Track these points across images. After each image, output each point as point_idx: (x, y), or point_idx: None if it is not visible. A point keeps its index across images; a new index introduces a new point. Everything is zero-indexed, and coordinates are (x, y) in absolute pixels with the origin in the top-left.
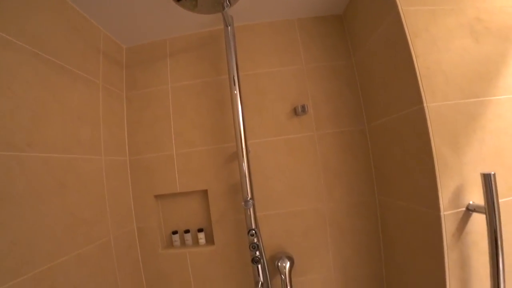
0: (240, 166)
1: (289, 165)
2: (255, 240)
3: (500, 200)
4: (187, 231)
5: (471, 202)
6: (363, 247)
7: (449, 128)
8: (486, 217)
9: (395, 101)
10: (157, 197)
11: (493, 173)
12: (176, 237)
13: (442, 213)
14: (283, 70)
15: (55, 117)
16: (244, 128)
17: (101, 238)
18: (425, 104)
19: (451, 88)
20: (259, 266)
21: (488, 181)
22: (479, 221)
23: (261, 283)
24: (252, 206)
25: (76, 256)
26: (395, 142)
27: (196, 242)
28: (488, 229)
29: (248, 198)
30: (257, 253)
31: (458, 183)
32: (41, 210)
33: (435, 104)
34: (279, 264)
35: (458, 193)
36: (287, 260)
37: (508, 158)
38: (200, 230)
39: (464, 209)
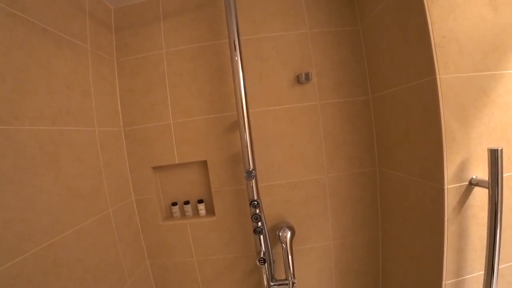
0: (242, 137)
1: (290, 136)
2: (257, 211)
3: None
4: (187, 203)
5: (474, 177)
6: (361, 216)
7: (459, 102)
8: (489, 191)
9: (404, 72)
10: (155, 168)
11: (500, 148)
12: (176, 209)
13: (446, 187)
14: (286, 35)
15: (41, 86)
16: (246, 96)
17: (100, 212)
18: (437, 76)
19: (464, 60)
20: (261, 236)
21: (494, 156)
22: (480, 195)
23: (263, 252)
24: (254, 178)
25: (77, 231)
26: (400, 113)
27: (196, 213)
28: (489, 203)
29: (250, 169)
30: (259, 223)
31: (463, 157)
32: (35, 186)
33: (448, 76)
34: (280, 234)
35: (462, 167)
36: (288, 230)
37: None
38: (200, 201)
39: (467, 183)
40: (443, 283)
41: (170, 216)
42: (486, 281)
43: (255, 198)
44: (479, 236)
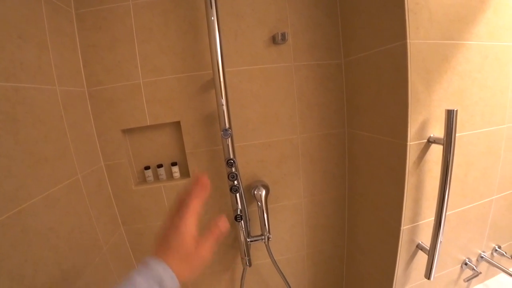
0: (217, 95)
1: (265, 96)
2: (234, 170)
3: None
4: (160, 166)
5: (431, 135)
6: (330, 174)
7: (425, 66)
8: (443, 147)
9: (378, 36)
10: (125, 131)
11: (456, 109)
12: (149, 173)
13: (408, 143)
14: None
15: None
16: (222, 55)
17: (68, 178)
18: (408, 40)
19: (433, 27)
20: (237, 195)
21: (450, 116)
22: (435, 152)
23: (239, 210)
24: (230, 136)
25: (45, 198)
26: (371, 76)
27: (170, 176)
28: (443, 158)
29: (227, 128)
30: (235, 182)
31: (424, 117)
32: None
33: (417, 41)
34: (255, 192)
35: (423, 126)
36: (262, 188)
37: (467, 98)
38: (173, 164)
39: (425, 140)
40: (401, 228)
41: (143, 180)
42: (435, 225)
43: (231, 157)
44: (432, 187)
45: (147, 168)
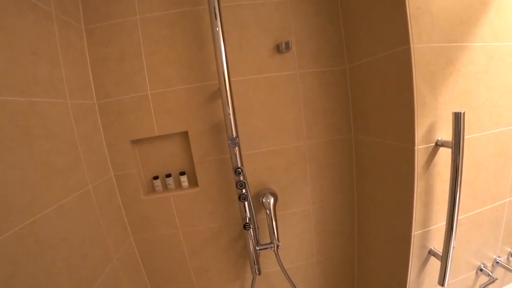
0: (224, 105)
1: (271, 104)
2: (242, 178)
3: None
4: (168, 175)
5: (439, 138)
6: (338, 180)
7: (430, 70)
8: (452, 150)
9: (381, 41)
10: (134, 142)
11: (463, 111)
12: (157, 182)
13: (416, 147)
14: (267, 3)
15: (4, 51)
16: (227, 65)
17: (80, 189)
18: (411, 45)
19: (435, 31)
20: (246, 203)
21: (458, 119)
22: (444, 155)
23: (248, 218)
24: (238, 145)
25: (57, 209)
26: (376, 81)
27: (178, 185)
28: (452, 161)
29: (234, 137)
30: (244, 190)
31: (431, 120)
32: (7, 163)
33: (420, 45)
34: (263, 200)
35: (430, 130)
36: (271, 196)
37: (473, 100)
38: (182, 174)
39: (433, 144)
40: (412, 233)
41: (152, 190)
42: (447, 230)
43: (239, 165)
44: (442, 190)
45: (155, 178)
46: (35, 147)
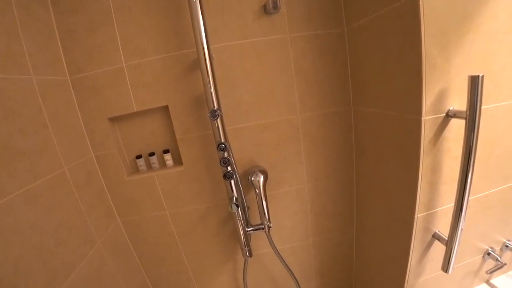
0: (203, 74)
1: (258, 73)
2: (226, 155)
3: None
4: (152, 154)
5: (451, 108)
6: (335, 157)
7: (441, 26)
8: (466, 122)
9: None
10: (112, 120)
11: (482, 75)
12: (141, 162)
13: (423, 118)
14: None
15: None
16: (206, 30)
17: (51, 172)
18: None
19: None
20: (232, 181)
21: (475, 83)
22: (455, 128)
23: (235, 198)
24: (219, 117)
25: (22, 194)
26: (378, 43)
27: (163, 164)
28: (465, 135)
29: (215, 109)
30: (229, 168)
31: (442, 86)
32: None
33: None
34: (252, 178)
35: (440, 98)
36: (260, 174)
37: (493, 64)
38: (165, 151)
39: (443, 114)
40: (415, 216)
41: (135, 170)
42: (455, 213)
43: (222, 140)
44: (451, 169)
45: (139, 157)
46: None
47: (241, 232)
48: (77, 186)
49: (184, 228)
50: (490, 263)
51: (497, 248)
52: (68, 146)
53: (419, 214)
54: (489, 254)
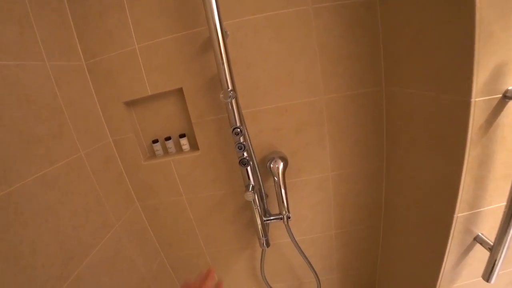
0: (216, 53)
1: (276, 51)
2: (241, 140)
3: None
4: (168, 139)
5: (510, 88)
6: (363, 144)
7: None
8: None
9: None
10: (128, 104)
11: None
12: (157, 146)
13: (473, 100)
14: None
15: None
16: (217, 4)
17: (67, 157)
18: None
19: None
20: (248, 168)
21: None
22: None
23: (252, 186)
24: (234, 98)
25: (39, 178)
26: (416, 9)
27: (179, 149)
28: None
29: (229, 89)
30: (245, 154)
31: (500, 60)
32: None
33: None
34: (271, 165)
35: (496, 75)
36: (280, 160)
37: None
38: (182, 136)
39: (500, 95)
40: (455, 215)
41: (152, 154)
42: (506, 214)
43: (238, 124)
44: (504, 162)
45: (155, 141)
46: (6, 115)
47: (258, 221)
48: (95, 171)
49: (201, 213)
50: None
51: None
52: (85, 131)
53: (460, 214)
54: None
